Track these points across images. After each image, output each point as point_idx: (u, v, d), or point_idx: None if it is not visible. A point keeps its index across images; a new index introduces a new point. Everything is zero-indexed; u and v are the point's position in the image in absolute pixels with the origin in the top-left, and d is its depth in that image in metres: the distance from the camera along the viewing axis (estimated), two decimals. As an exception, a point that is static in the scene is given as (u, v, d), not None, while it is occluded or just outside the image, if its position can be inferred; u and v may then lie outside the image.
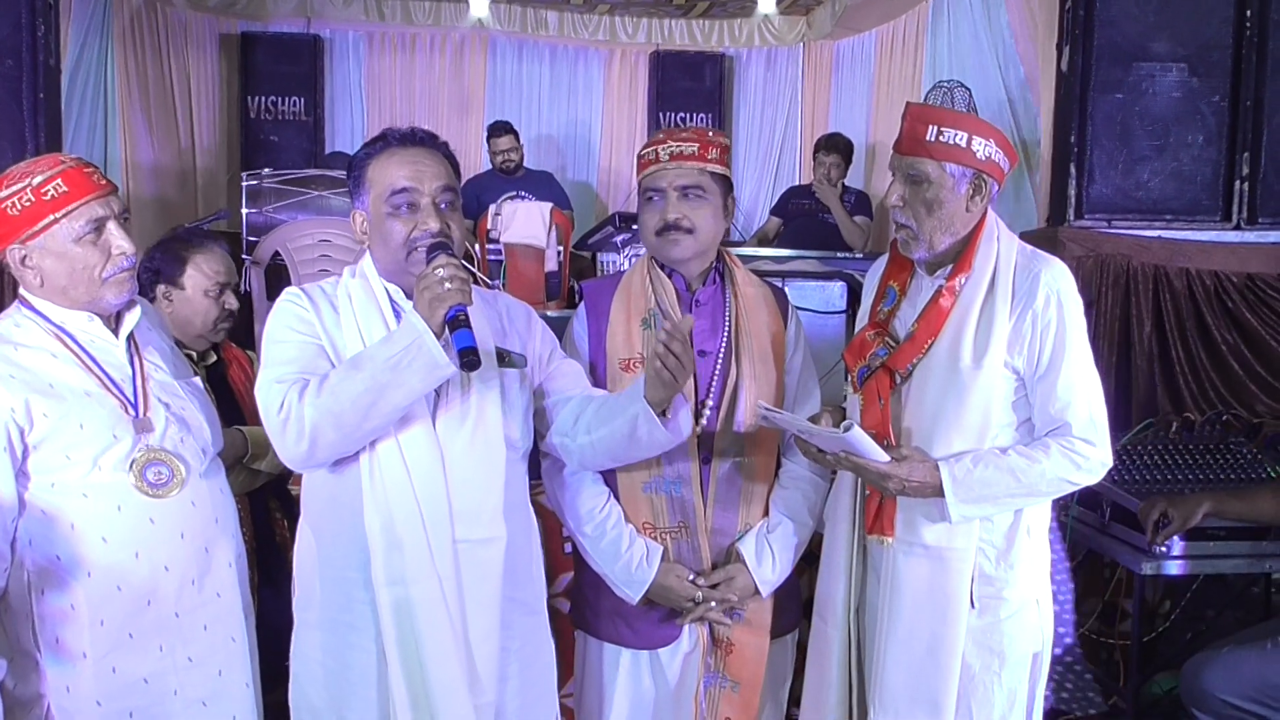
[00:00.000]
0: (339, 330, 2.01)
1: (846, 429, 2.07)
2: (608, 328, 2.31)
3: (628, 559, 2.23)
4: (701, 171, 2.27)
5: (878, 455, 2.10)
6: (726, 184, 2.33)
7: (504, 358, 2.01)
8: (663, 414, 2.00)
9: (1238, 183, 4.01)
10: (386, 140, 2.06)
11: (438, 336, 1.85)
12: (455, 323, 1.85)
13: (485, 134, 6.52)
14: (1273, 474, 3.15)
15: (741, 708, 2.32)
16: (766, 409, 2.16)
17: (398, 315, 2.03)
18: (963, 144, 2.15)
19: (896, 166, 2.21)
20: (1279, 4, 3.97)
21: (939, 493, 2.10)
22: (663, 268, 2.34)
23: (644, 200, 2.31)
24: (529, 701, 2.13)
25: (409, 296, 2.01)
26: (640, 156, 2.34)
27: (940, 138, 2.15)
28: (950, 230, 2.19)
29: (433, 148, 2.06)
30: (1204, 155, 4.02)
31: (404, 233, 2.00)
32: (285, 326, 2.01)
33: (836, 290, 4.76)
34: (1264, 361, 3.88)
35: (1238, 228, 4.02)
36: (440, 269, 1.88)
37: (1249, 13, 3.96)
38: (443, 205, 2.02)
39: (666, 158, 2.26)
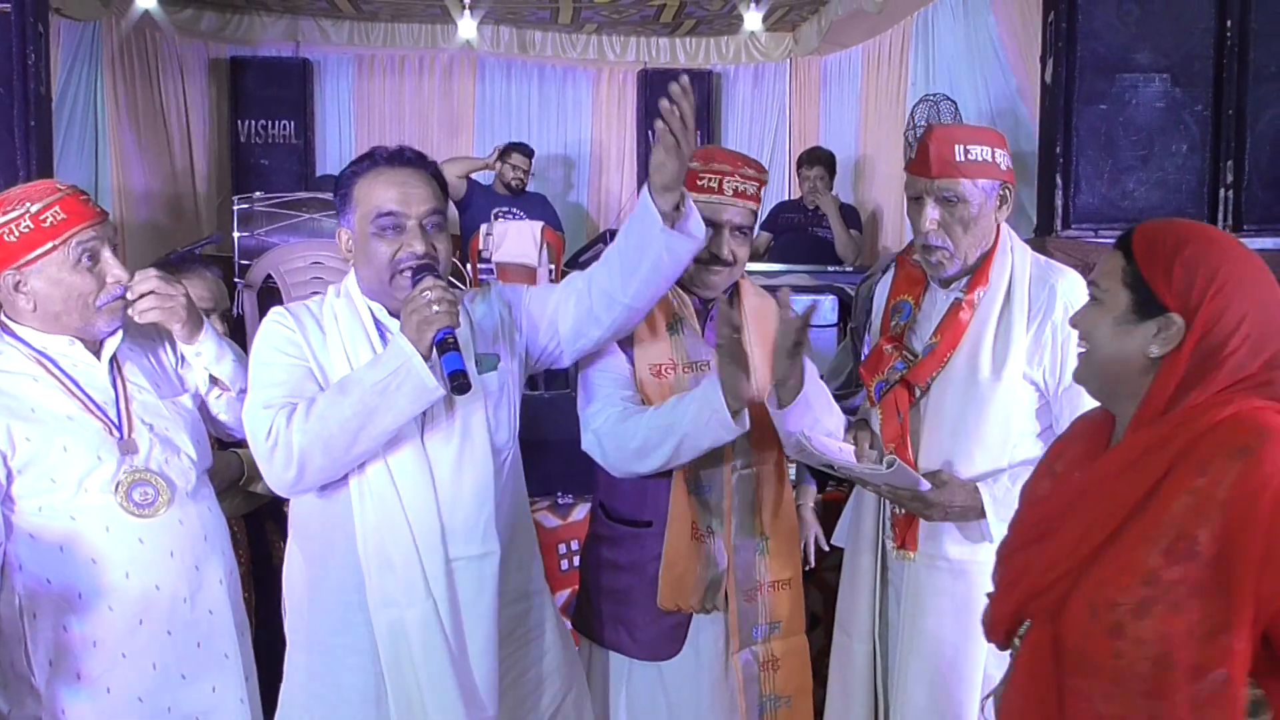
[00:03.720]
0: (325, 351, 1.99)
1: (890, 465, 2.08)
2: (635, 334, 2.23)
3: (696, 392, 2.11)
4: (753, 212, 2.25)
5: (920, 485, 2.11)
6: None
7: (480, 363, 2.01)
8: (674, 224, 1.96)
9: (1222, 190, 4.03)
10: (374, 159, 2.02)
11: (425, 359, 1.84)
12: (444, 345, 1.84)
13: (500, 149, 6.47)
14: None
15: (801, 717, 2.31)
16: (806, 438, 2.14)
17: (382, 333, 2.01)
18: (989, 158, 2.19)
19: (926, 190, 2.20)
20: (1260, 14, 3.99)
21: (981, 515, 2.12)
22: (680, 283, 2.27)
23: None
24: (540, 693, 2.14)
25: (393, 315, 1.99)
26: (694, 173, 2.18)
27: (969, 156, 2.17)
28: (982, 244, 2.23)
29: (420, 167, 2.02)
30: (1188, 164, 4.04)
31: (389, 254, 1.96)
32: (272, 348, 1.98)
33: (828, 304, 4.78)
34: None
35: (1223, 235, 4.03)
36: (428, 291, 1.86)
37: (1230, 23, 3.99)
38: (429, 227, 1.99)
39: (730, 193, 2.19)
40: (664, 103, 1.86)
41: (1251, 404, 1.36)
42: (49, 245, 1.92)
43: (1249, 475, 1.30)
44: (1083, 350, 1.53)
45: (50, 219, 1.92)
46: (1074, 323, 1.56)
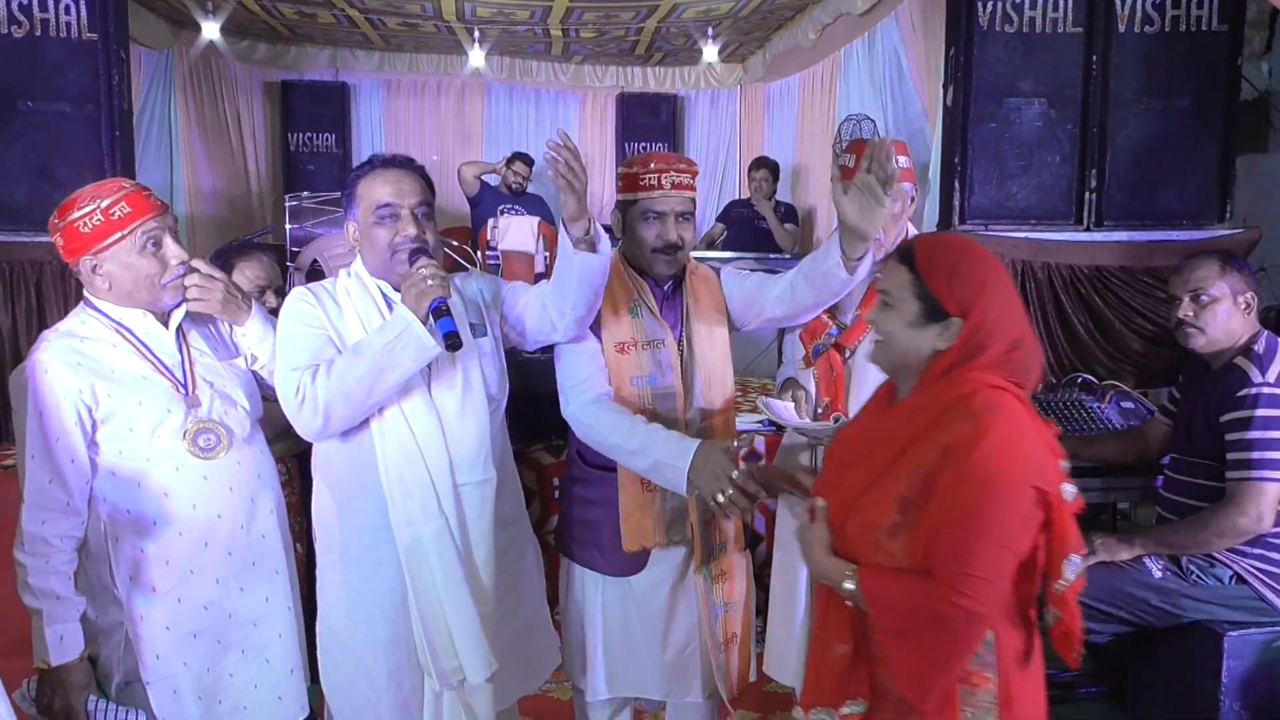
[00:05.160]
0: (342, 321, 1.98)
1: (838, 422, 2.09)
2: (600, 317, 2.18)
3: (675, 437, 2.03)
4: (691, 199, 2.18)
5: None
6: None
7: (473, 330, 2.01)
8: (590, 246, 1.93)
9: (1087, 194, 4.04)
10: (373, 164, 2.01)
11: (424, 323, 1.84)
12: (439, 312, 1.84)
13: (506, 158, 6.42)
14: (1115, 426, 3.18)
15: (740, 620, 2.28)
16: (766, 404, 2.17)
17: (389, 305, 1.99)
18: (910, 166, 2.26)
19: None
20: (1119, 51, 4.00)
21: None
22: (639, 271, 2.22)
23: (640, 218, 2.14)
24: (522, 596, 2.14)
25: (396, 290, 1.97)
26: (636, 176, 2.13)
27: (900, 164, 2.18)
28: (902, 232, 2.26)
29: (411, 169, 2.00)
30: (1060, 172, 4.04)
31: (388, 238, 1.95)
32: (297, 321, 1.97)
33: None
34: (1108, 336, 3.92)
35: (1088, 229, 4.05)
36: (423, 269, 1.86)
37: (1095, 58, 3.99)
38: (419, 215, 1.97)
39: (669, 186, 2.11)
40: (548, 154, 1.83)
41: (991, 381, 1.47)
42: (118, 235, 1.87)
43: (969, 433, 1.42)
44: (878, 340, 1.60)
45: (118, 213, 1.86)
46: (871, 321, 1.61)
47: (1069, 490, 1.46)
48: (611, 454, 2.10)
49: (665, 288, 2.23)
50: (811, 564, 1.61)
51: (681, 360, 2.19)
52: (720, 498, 1.90)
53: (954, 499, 1.41)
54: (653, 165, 2.14)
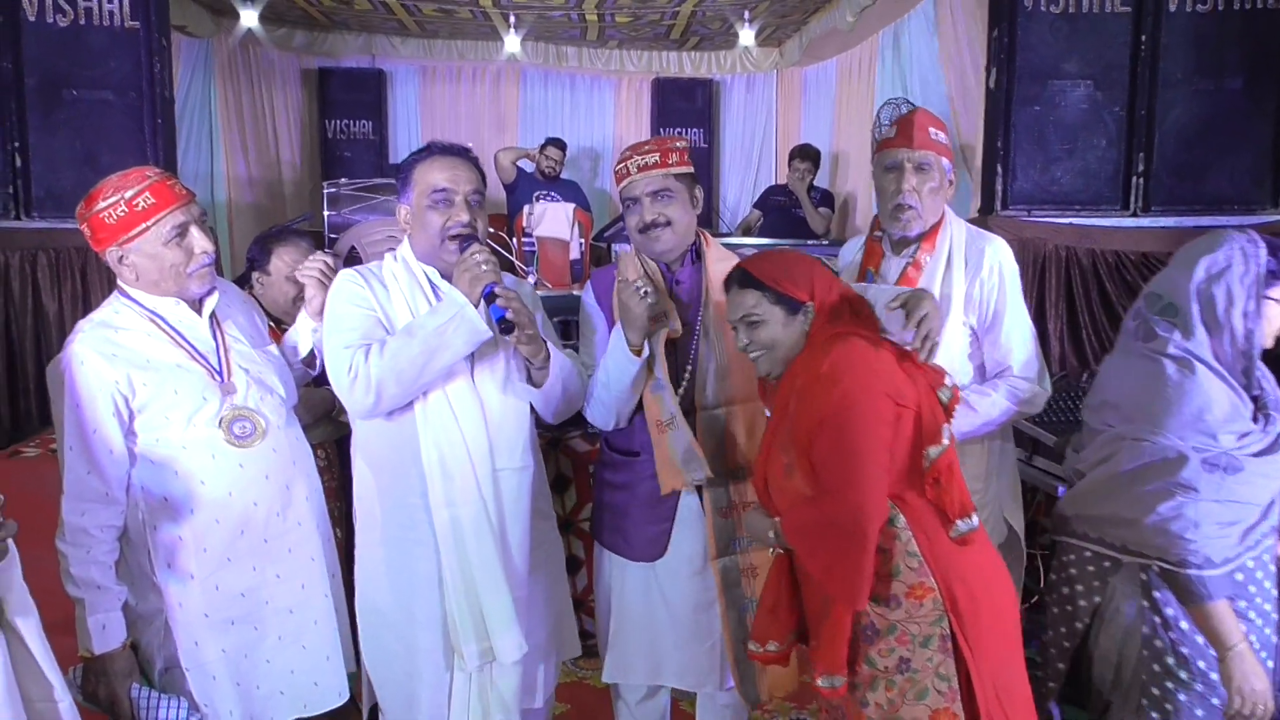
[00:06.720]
0: (390, 303, 2.02)
1: None
2: (611, 299, 2.19)
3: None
4: (666, 176, 2.13)
5: None
6: (691, 180, 2.17)
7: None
8: None
9: (1134, 178, 3.95)
10: (430, 150, 2.05)
11: (475, 307, 1.89)
12: (491, 297, 1.89)
13: (541, 143, 6.40)
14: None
15: None
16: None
17: (435, 290, 2.03)
18: (945, 142, 2.22)
19: (908, 159, 2.18)
20: (1169, 30, 3.89)
21: None
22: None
23: (625, 209, 2.19)
24: (550, 585, 2.17)
25: (443, 276, 2.02)
26: (615, 172, 2.20)
27: (938, 138, 2.20)
28: (936, 213, 2.21)
29: (467, 158, 2.05)
30: (1106, 156, 3.96)
31: (440, 223, 1.99)
32: (346, 302, 2.01)
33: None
34: (1156, 324, 3.82)
35: (1134, 215, 3.95)
36: (477, 254, 1.91)
37: (1144, 38, 3.89)
38: (472, 203, 2.02)
39: (635, 171, 2.13)
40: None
41: (837, 330, 1.77)
42: (143, 226, 1.86)
43: (822, 366, 1.72)
44: (760, 354, 1.84)
45: (142, 203, 1.86)
46: (756, 344, 1.82)
47: (943, 394, 1.80)
48: (610, 407, 2.15)
49: (679, 272, 2.20)
50: (749, 529, 1.94)
51: (691, 345, 2.15)
52: (641, 296, 2.04)
53: (822, 422, 1.68)
54: (623, 155, 2.17)
